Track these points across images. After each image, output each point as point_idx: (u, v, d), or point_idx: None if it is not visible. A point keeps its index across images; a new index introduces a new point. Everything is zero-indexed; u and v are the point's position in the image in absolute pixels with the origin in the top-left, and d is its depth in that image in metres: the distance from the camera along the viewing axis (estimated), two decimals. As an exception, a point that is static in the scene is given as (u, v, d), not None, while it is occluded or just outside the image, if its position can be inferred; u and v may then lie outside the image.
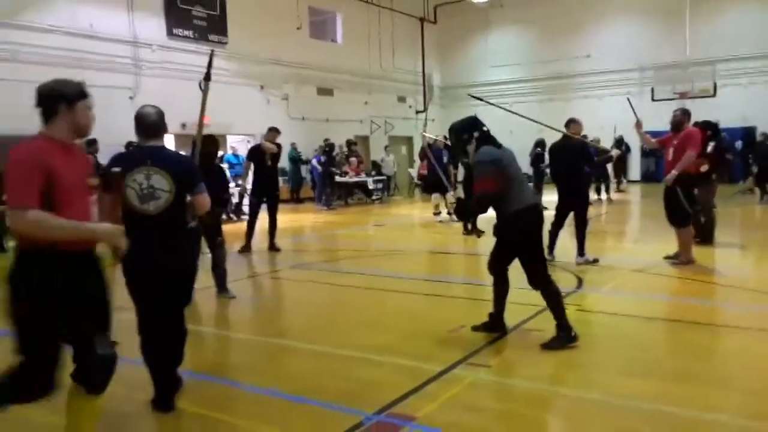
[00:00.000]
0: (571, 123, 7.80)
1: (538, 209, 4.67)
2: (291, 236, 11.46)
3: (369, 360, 4.46)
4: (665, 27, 22.42)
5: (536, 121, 8.03)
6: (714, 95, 21.30)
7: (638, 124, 7.87)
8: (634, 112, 7.86)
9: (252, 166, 9.55)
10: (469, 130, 4.71)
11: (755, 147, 16.88)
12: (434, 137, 13.34)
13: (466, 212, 5.09)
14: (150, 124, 3.71)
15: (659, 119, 22.99)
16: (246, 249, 9.39)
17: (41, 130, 2.80)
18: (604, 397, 3.66)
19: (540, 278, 4.57)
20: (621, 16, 23.68)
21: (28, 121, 12.95)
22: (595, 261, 7.63)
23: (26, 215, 2.57)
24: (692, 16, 21.38)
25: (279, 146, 9.80)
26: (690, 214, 7.45)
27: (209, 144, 6.59)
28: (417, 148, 23.50)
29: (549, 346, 4.50)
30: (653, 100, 22.26)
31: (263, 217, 9.50)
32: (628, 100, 8.13)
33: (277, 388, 3.97)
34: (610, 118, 19.59)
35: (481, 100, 7.12)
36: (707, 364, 4.39)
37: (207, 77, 4.45)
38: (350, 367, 4.36)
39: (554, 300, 4.57)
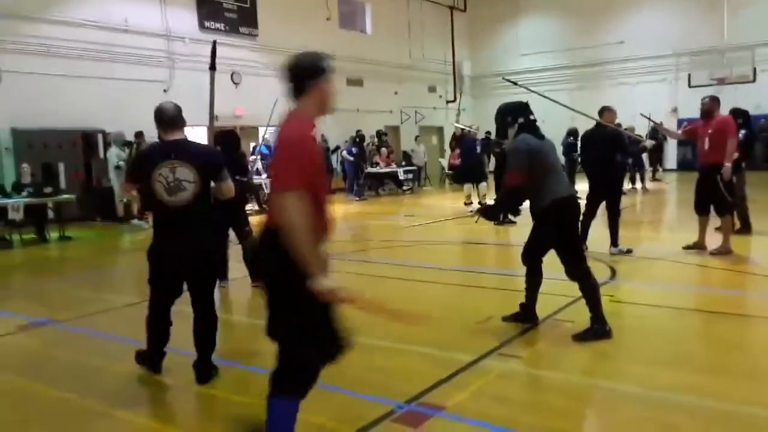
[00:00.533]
0: (605, 111, 7.66)
1: (574, 200, 4.61)
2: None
3: (399, 350, 4.47)
4: (702, 11, 21.83)
5: (572, 109, 7.91)
6: (754, 81, 20.70)
7: (659, 126, 8.59)
8: (651, 120, 8.42)
9: None
10: (514, 114, 4.62)
11: None
12: (468, 127, 13.27)
13: (494, 214, 5.00)
14: (170, 117, 3.85)
15: (697, 106, 22.60)
16: None
17: (299, 108, 2.64)
18: (637, 389, 3.61)
19: (579, 270, 4.49)
20: (656, 1, 23.12)
21: (60, 114, 13.24)
22: (629, 251, 7.52)
23: (285, 197, 2.43)
24: (730, -1, 20.81)
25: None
26: (731, 203, 7.32)
27: (226, 138, 6.81)
28: (447, 138, 23.41)
29: (581, 337, 4.45)
30: (690, 86, 21.75)
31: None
32: (643, 115, 8.47)
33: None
34: (644, 106, 19.04)
35: (516, 84, 7.01)
36: (742, 356, 4.29)
37: (212, 67, 4.46)
38: (381, 356, 4.38)
39: (591, 293, 4.49)
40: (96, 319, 5.75)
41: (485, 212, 4.88)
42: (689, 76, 22.28)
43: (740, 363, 4.11)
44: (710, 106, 7.34)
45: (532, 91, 7.11)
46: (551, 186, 4.47)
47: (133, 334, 4.45)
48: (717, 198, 7.21)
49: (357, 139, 17.86)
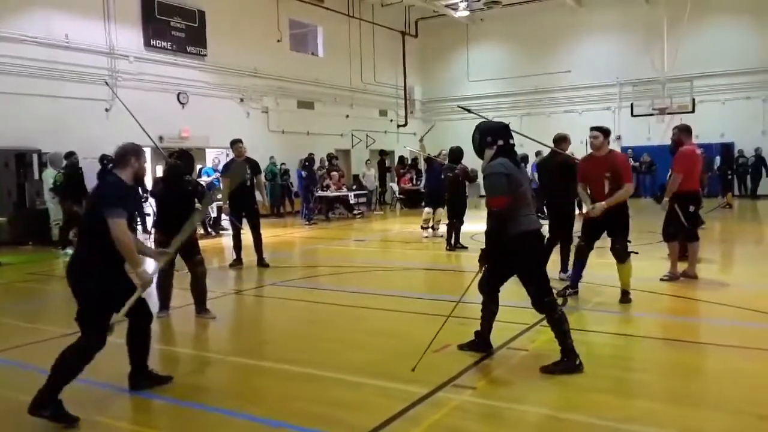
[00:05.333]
0: (562, 140, 7.76)
1: (540, 234, 4.52)
2: (271, 252, 11.23)
3: (350, 382, 4.30)
4: (644, 43, 22.66)
5: (529, 137, 7.93)
6: (692, 111, 21.54)
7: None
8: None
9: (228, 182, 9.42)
10: (494, 135, 4.41)
11: None
12: (427, 153, 13.29)
13: (488, 254, 4.52)
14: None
15: (639, 134, 23.43)
16: (237, 263, 9.47)
17: None
18: (592, 420, 3.55)
19: (546, 302, 4.38)
20: (600, 33, 23.92)
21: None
22: (578, 277, 7.54)
23: None
24: (670, 32, 21.66)
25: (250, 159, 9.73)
26: (687, 229, 7.46)
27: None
28: (402, 163, 23.48)
29: (551, 370, 4.31)
30: (632, 115, 22.47)
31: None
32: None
33: (253, 413, 3.80)
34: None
35: (470, 111, 7.00)
36: (696, 383, 4.30)
37: None
38: (331, 389, 4.20)
39: (560, 325, 4.36)
40: (27, 351, 5.36)
41: (483, 255, 4.56)
42: (632, 105, 23.01)
43: (696, 391, 4.11)
44: (678, 136, 7.53)
45: (486, 119, 7.08)
46: (519, 217, 4.34)
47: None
48: (677, 226, 7.40)
49: (306, 163, 17.66)
